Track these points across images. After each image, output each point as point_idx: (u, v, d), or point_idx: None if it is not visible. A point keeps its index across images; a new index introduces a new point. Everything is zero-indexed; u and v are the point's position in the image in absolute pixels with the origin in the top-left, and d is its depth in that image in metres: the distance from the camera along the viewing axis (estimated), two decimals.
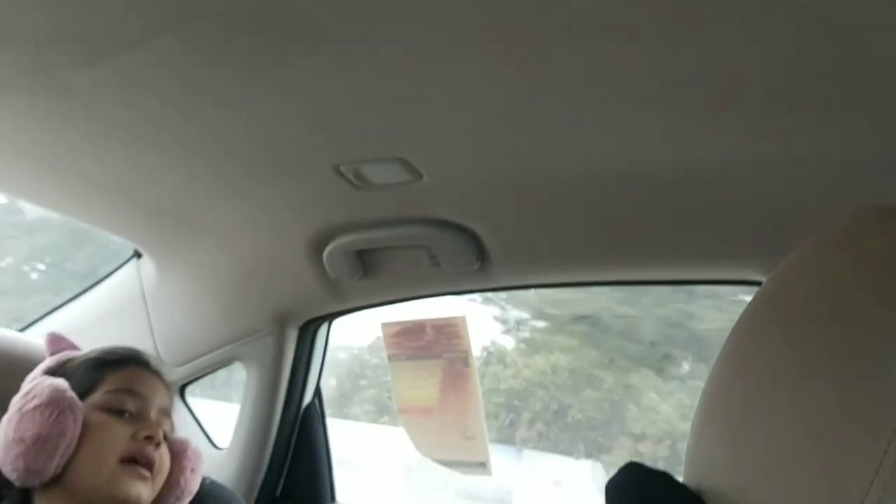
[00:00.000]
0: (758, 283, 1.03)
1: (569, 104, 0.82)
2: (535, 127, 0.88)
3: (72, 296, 1.58)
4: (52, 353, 1.11)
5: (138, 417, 1.02)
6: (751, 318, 0.58)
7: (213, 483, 1.25)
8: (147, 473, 0.99)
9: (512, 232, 1.14)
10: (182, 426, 1.36)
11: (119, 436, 0.98)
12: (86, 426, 0.98)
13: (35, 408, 0.95)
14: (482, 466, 1.37)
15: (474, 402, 1.36)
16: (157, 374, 1.10)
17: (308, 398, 1.54)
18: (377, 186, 1.08)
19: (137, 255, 1.51)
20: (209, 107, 0.91)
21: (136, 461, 0.98)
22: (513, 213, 1.11)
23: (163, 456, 1.03)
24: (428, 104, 0.86)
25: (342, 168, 1.04)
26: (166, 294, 1.48)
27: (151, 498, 1.02)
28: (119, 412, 1.01)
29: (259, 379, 1.48)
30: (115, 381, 1.04)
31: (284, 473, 1.54)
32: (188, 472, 1.08)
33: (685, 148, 0.87)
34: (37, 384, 0.99)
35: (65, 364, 1.08)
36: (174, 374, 1.54)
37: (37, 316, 1.58)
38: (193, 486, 1.10)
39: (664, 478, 0.57)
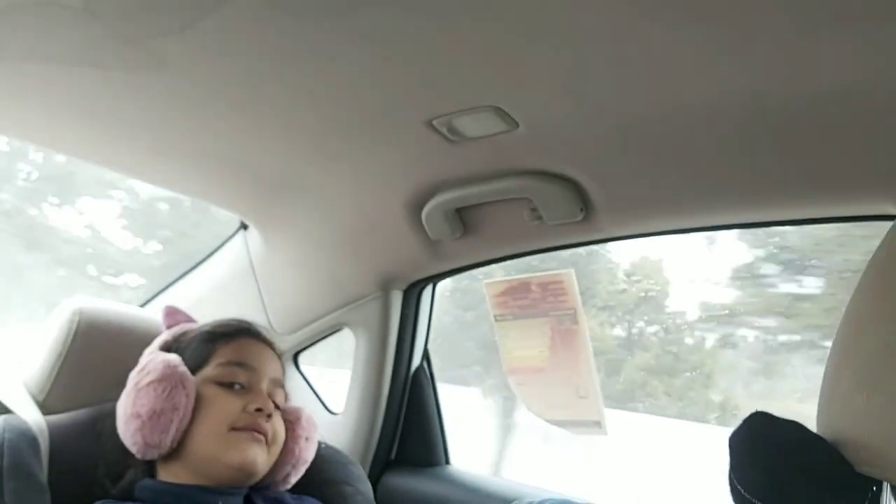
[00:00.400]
0: (892, 217, 0.93)
1: (673, 31, 0.75)
2: (638, 61, 0.81)
3: (185, 270, 1.63)
4: (168, 327, 1.15)
5: (249, 389, 1.03)
6: (888, 254, 0.52)
7: (328, 447, 1.27)
8: (260, 437, 1.00)
9: (616, 178, 1.08)
10: (297, 393, 1.38)
11: (230, 408, 1.00)
12: (199, 399, 1.00)
13: (149, 384, 0.98)
14: (597, 425, 1.33)
15: (585, 359, 1.31)
16: (267, 344, 1.12)
17: (417, 361, 1.54)
18: (472, 139, 1.04)
19: (244, 226, 1.55)
20: (299, 65, 0.89)
21: (246, 430, 1.00)
22: (616, 158, 1.04)
23: (276, 426, 1.05)
24: (518, 45, 0.81)
25: (435, 122, 1.01)
26: (273, 263, 1.51)
27: (268, 465, 1.04)
28: (230, 384, 1.03)
29: (367, 344, 1.49)
30: (226, 353, 1.05)
31: (398, 437, 1.55)
32: (302, 441, 1.10)
33: (807, 72, 0.79)
34: (150, 360, 1.02)
35: (179, 338, 1.10)
36: (286, 343, 1.57)
37: (156, 291, 1.65)
38: (308, 455, 1.11)
39: (795, 427, 0.52)
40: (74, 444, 1.02)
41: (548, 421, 1.39)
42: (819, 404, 0.54)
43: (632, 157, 1.03)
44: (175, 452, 1.00)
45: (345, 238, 1.38)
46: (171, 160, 1.23)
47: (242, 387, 1.03)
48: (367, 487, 1.25)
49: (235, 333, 1.09)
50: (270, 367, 1.09)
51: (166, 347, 1.09)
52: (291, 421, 1.10)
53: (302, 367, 1.64)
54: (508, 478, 1.46)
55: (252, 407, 1.01)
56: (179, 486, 1.00)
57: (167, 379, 0.98)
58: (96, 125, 1.09)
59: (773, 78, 0.82)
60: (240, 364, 1.05)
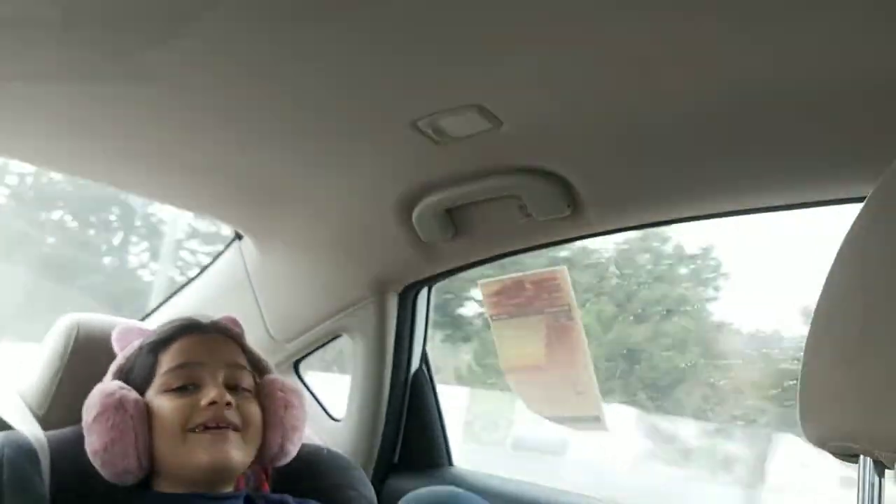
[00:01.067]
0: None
1: (652, 24, 0.75)
2: (617, 55, 0.82)
3: (183, 283, 1.64)
4: (122, 349, 1.13)
5: (202, 385, 1.02)
6: (864, 228, 0.53)
7: (331, 452, 1.27)
8: (224, 432, 0.99)
9: (602, 172, 1.08)
10: None
11: (180, 411, 0.99)
12: (152, 414, 1.00)
13: (94, 419, 0.98)
14: (596, 421, 1.33)
15: (582, 355, 1.31)
16: (218, 332, 1.10)
17: (416, 364, 1.54)
18: (457, 139, 1.04)
19: (238, 236, 1.55)
20: (284, 70, 0.90)
21: (207, 428, 0.98)
22: (601, 153, 1.05)
23: (246, 411, 1.03)
24: (499, 43, 0.82)
25: (420, 123, 1.01)
26: (269, 272, 1.51)
27: (249, 454, 1.03)
28: (180, 389, 1.01)
29: (365, 348, 1.49)
30: (167, 360, 1.04)
31: (400, 441, 1.55)
32: (282, 410, 1.08)
33: (789, 61, 0.79)
34: (92, 394, 1.01)
35: (130, 357, 1.09)
36: (285, 352, 1.58)
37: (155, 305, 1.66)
38: (295, 421, 1.09)
39: None
40: (74, 459, 1.02)
41: (549, 419, 1.39)
42: (800, 379, 0.54)
43: (616, 151, 1.04)
44: (155, 467, 1.01)
45: (338, 243, 1.39)
46: (163, 173, 1.24)
47: (195, 386, 1.01)
48: (370, 492, 1.25)
49: (173, 337, 1.07)
50: (223, 355, 1.06)
51: (120, 371, 1.08)
52: (268, 394, 1.08)
53: (303, 375, 1.64)
54: (512, 477, 1.45)
55: (204, 402, 0.99)
56: (175, 495, 1.00)
57: (106, 409, 0.98)
58: (84, 140, 1.10)
59: (754, 67, 0.82)
60: (182, 366, 1.03)
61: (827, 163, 0.94)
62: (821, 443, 0.51)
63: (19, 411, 1.11)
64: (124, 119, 1.03)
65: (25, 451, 0.97)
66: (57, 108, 1.00)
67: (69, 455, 1.02)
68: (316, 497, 1.15)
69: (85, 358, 1.17)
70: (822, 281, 0.55)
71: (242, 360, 1.10)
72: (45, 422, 1.12)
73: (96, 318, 1.23)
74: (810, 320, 0.55)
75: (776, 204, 1.04)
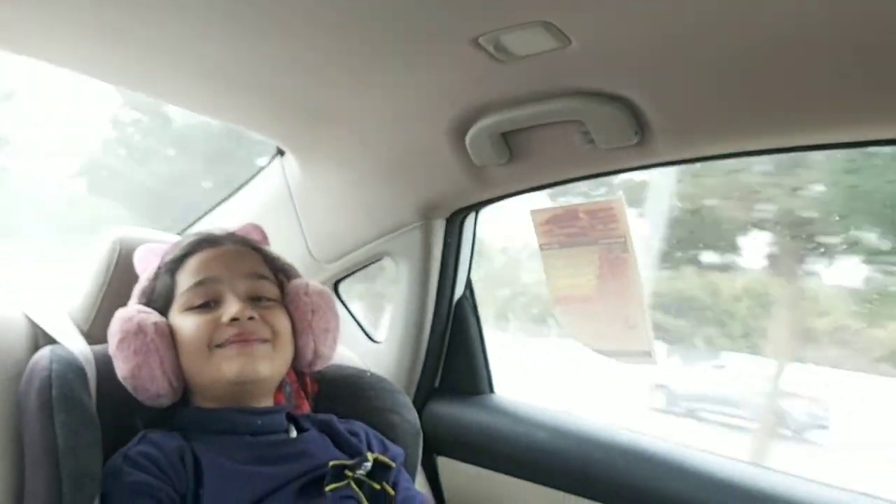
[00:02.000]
0: None
1: None
2: None
3: (222, 198, 1.61)
4: (143, 271, 1.10)
5: (223, 301, 0.99)
6: None
7: (374, 375, 1.26)
8: (250, 346, 0.97)
9: (674, 98, 1.01)
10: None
11: (201, 329, 0.97)
12: (174, 333, 0.99)
13: (117, 346, 0.97)
14: (646, 355, 1.30)
15: (635, 289, 1.27)
16: (230, 244, 1.07)
17: (460, 291, 1.52)
18: (521, 58, 0.98)
19: (280, 152, 1.51)
20: None
21: (233, 343, 0.96)
22: (674, 77, 0.98)
23: (273, 321, 1.01)
24: None
25: (481, 40, 0.94)
26: (312, 191, 1.48)
27: (280, 364, 1.02)
28: (201, 307, 0.99)
29: (409, 273, 1.47)
30: (184, 279, 1.02)
31: (441, 366, 1.54)
32: (309, 314, 1.06)
33: None
34: (112, 321, 1.00)
35: (152, 279, 1.07)
36: (327, 272, 1.55)
37: (192, 219, 1.63)
38: (325, 323, 1.07)
39: None
40: None
41: (596, 351, 1.36)
42: None
43: (690, 76, 0.96)
44: (189, 385, 1.00)
45: (385, 165, 1.34)
46: (205, 85, 1.19)
47: (216, 302, 0.99)
48: (413, 415, 1.24)
49: (187, 254, 1.04)
50: (242, 267, 1.03)
51: (143, 294, 1.06)
52: (292, 301, 1.06)
53: (343, 296, 1.62)
54: (553, 406, 1.44)
55: (226, 318, 0.97)
56: (215, 410, 0.99)
57: (126, 335, 0.96)
58: (126, 48, 1.05)
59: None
60: (199, 283, 1.00)
61: None
62: None
63: (66, 327, 1.10)
64: (169, 28, 0.98)
65: (73, 367, 0.97)
66: (99, 13, 0.95)
67: (114, 370, 1.01)
68: (358, 419, 1.14)
69: (128, 273, 1.15)
70: None
71: (263, 269, 1.07)
72: (90, 337, 1.11)
73: (139, 232, 1.21)
74: None
75: (851, 140, 0.97)
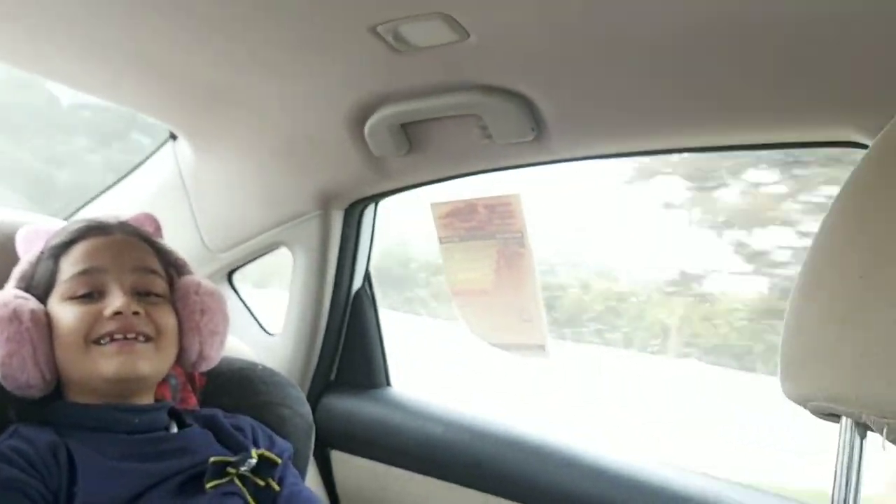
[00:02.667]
0: (862, 146, 0.91)
1: None
2: None
3: (110, 184, 1.54)
4: (26, 253, 1.04)
5: (107, 293, 0.94)
6: (864, 183, 0.50)
7: (265, 369, 1.22)
8: (130, 344, 0.92)
9: (571, 96, 1.03)
10: (231, 314, 1.33)
11: (81, 320, 0.92)
12: (52, 323, 0.94)
13: None
14: (540, 349, 1.32)
15: (531, 283, 1.29)
16: (121, 234, 1.02)
17: (358, 283, 1.50)
18: (419, 49, 0.97)
19: (172, 137, 1.45)
20: None
21: (113, 339, 0.92)
22: (572, 75, 0.99)
23: (158, 318, 0.96)
24: None
25: (380, 29, 0.93)
26: (206, 177, 1.43)
27: (162, 364, 0.97)
28: (83, 297, 0.94)
29: (306, 263, 1.44)
30: (68, 266, 0.97)
31: (338, 359, 1.52)
32: (197, 315, 1.01)
33: None
34: None
35: (33, 263, 1.01)
36: (219, 262, 1.51)
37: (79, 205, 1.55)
38: (213, 325, 1.03)
39: None
40: None
41: (492, 344, 1.37)
42: (784, 334, 0.52)
43: (589, 74, 0.98)
44: (63, 378, 0.95)
45: (282, 152, 1.31)
46: (93, 63, 1.13)
47: (100, 293, 0.94)
48: (306, 409, 1.22)
49: (74, 239, 0.99)
50: (131, 259, 0.98)
51: (23, 277, 1.00)
52: (181, 298, 1.02)
53: (237, 286, 1.58)
54: (448, 400, 1.45)
55: (108, 312, 0.92)
56: (90, 406, 0.94)
57: (0, 321, 0.91)
58: (11, 24, 0.99)
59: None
60: (84, 272, 0.95)
61: (808, 104, 0.91)
62: (801, 401, 0.49)
63: None
64: (58, 5, 0.93)
65: None
66: None
67: None
68: (249, 414, 1.11)
69: (5, 257, 1.07)
70: (813, 235, 0.53)
71: (153, 263, 1.01)
72: None
73: (19, 216, 1.13)
74: (798, 274, 0.53)
75: (753, 142, 1.01)
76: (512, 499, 1.25)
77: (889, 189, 0.47)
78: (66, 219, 1.51)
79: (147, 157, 1.51)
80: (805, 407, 0.50)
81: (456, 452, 1.31)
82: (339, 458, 1.45)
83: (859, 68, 0.83)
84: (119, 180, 1.54)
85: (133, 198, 1.50)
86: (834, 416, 0.50)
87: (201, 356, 1.03)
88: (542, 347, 1.32)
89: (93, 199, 1.56)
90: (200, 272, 1.11)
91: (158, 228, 1.09)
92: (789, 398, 0.51)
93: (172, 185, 1.46)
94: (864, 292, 0.45)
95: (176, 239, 1.12)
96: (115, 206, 1.50)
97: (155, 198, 1.48)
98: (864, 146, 0.90)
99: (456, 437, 1.33)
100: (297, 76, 1.11)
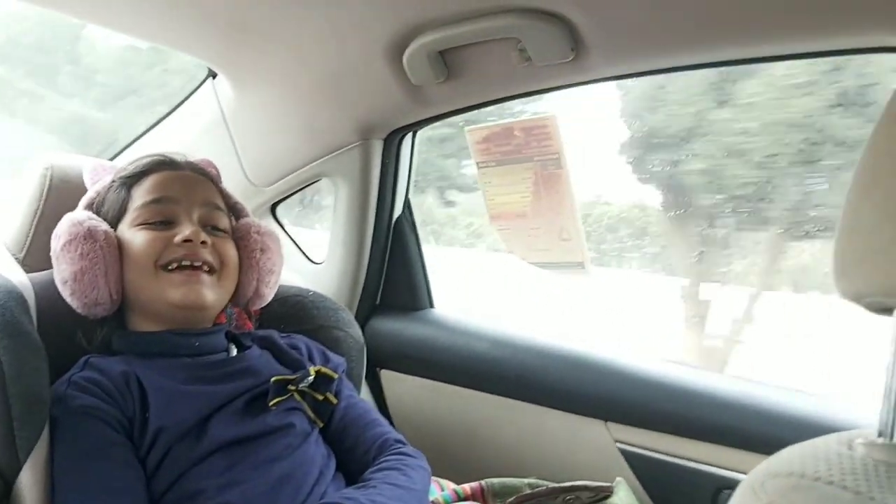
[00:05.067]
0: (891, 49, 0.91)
1: None
2: None
3: (153, 122, 1.56)
4: (94, 184, 1.09)
5: (176, 223, 1.00)
6: None
7: (316, 294, 1.28)
8: (197, 272, 0.98)
9: (609, 12, 1.02)
10: None
11: (153, 245, 0.97)
12: (123, 247, 0.98)
13: (62, 248, 0.96)
14: (580, 266, 1.36)
15: (569, 203, 1.32)
16: (193, 171, 1.07)
17: (398, 210, 1.54)
18: None
19: (212, 74, 1.47)
20: None
21: (180, 267, 0.97)
22: None
23: (222, 250, 1.02)
24: None
25: None
26: (246, 114, 1.45)
27: (223, 295, 1.03)
28: (154, 223, 0.99)
29: (348, 193, 1.47)
30: (140, 194, 1.01)
31: (382, 284, 1.57)
32: (258, 253, 1.07)
33: None
34: (60, 223, 0.99)
35: (101, 192, 1.06)
36: (263, 195, 1.55)
37: (125, 143, 1.58)
38: (271, 264, 1.09)
39: None
40: (59, 300, 1.00)
41: (532, 264, 1.41)
42: (837, 233, 0.53)
43: None
44: (128, 303, 1.00)
45: (322, 85, 1.33)
46: (133, 4, 1.15)
47: (170, 222, 0.99)
48: (356, 331, 1.28)
49: (146, 171, 1.04)
50: (199, 194, 1.04)
51: (90, 205, 1.05)
52: (241, 237, 1.08)
53: (280, 218, 1.62)
54: (491, 319, 1.50)
55: (178, 239, 0.97)
56: (152, 333, 1.00)
57: (75, 237, 0.96)
58: None
59: None
60: (157, 201, 1.00)
61: (846, 9, 0.90)
62: (856, 298, 0.51)
63: (3, 257, 1.07)
64: None
65: (14, 295, 0.95)
66: None
67: (54, 297, 1.00)
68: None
69: (60, 198, 1.13)
70: (868, 136, 0.54)
71: (219, 200, 1.07)
72: (25, 265, 1.10)
73: (70, 158, 1.18)
74: (853, 174, 0.54)
75: (790, 52, 1.01)
76: (554, 407, 1.31)
77: None
78: (111, 158, 1.55)
79: (187, 97, 1.53)
80: (859, 303, 0.52)
81: (501, 366, 1.37)
82: (388, 377, 1.51)
83: None
84: (159, 121, 1.56)
85: (176, 137, 1.53)
86: (888, 311, 0.52)
87: (257, 293, 1.09)
88: (581, 265, 1.36)
89: (135, 140, 1.58)
90: (246, 206, 1.16)
91: (219, 175, 1.14)
92: (844, 296, 0.52)
93: (214, 123, 1.48)
94: None
95: (221, 175, 1.16)
96: (157, 147, 1.54)
97: (198, 135, 1.51)
98: None
99: (500, 353, 1.38)
100: (334, 8, 1.12)
